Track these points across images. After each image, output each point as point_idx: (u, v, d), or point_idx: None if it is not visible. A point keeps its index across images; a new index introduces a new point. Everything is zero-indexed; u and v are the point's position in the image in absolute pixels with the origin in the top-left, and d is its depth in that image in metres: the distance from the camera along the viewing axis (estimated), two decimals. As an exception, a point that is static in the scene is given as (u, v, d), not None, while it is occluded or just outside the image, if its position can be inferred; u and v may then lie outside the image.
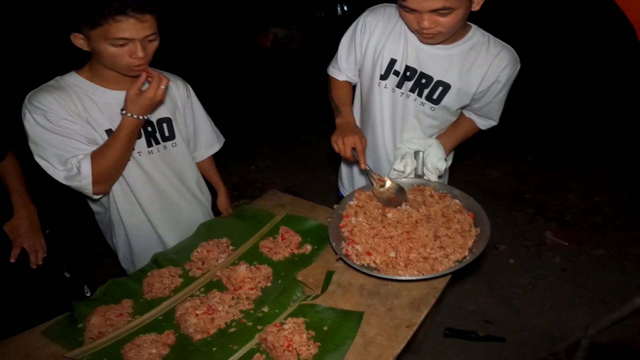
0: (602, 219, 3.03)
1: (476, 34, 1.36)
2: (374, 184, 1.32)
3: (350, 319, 1.07)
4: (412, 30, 1.30)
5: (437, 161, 1.45)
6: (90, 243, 2.83)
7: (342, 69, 1.53)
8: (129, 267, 1.55)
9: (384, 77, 1.43)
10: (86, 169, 1.20)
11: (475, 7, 1.22)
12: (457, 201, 1.34)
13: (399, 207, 1.31)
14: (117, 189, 1.37)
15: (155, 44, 1.22)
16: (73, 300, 1.21)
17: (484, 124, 1.55)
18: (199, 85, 1.65)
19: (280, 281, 1.23)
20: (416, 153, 1.47)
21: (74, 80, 1.26)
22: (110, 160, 1.23)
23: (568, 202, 3.25)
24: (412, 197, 1.36)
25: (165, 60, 1.54)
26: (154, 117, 1.37)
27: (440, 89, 1.39)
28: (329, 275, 1.23)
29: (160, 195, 1.44)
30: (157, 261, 1.33)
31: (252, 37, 6.57)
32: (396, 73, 1.41)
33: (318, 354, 1.00)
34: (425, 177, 1.46)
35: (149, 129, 1.36)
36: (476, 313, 2.34)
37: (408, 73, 1.40)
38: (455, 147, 1.60)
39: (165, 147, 1.41)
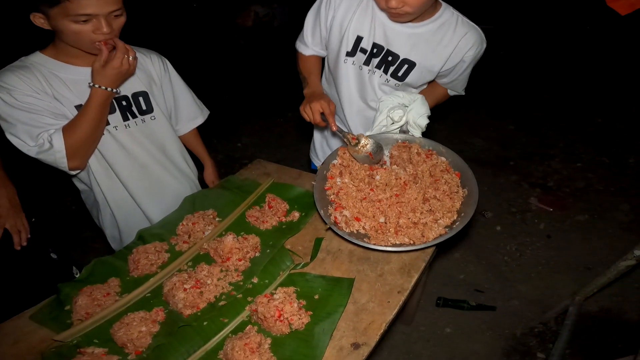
0: (584, 184, 3.08)
1: (445, 12, 1.34)
2: (348, 143, 1.29)
3: (341, 286, 1.07)
4: (380, 9, 1.29)
5: (418, 117, 1.41)
6: (76, 229, 2.77)
7: (308, 43, 1.51)
8: (118, 246, 1.53)
9: (350, 53, 1.42)
10: (58, 142, 1.17)
11: None
12: (443, 159, 1.33)
13: (386, 167, 1.30)
14: (95, 165, 1.33)
15: (122, 19, 1.17)
16: (61, 282, 1.19)
17: (450, 92, 1.58)
18: (182, 66, 1.61)
19: (268, 250, 1.22)
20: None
21: (38, 59, 1.22)
22: (83, 133, 1.20)
23: (550, 167, 3.30)
24: (397, 154, 1.35)
25: (147, 41, 1.50)
26: (128, 91, 1.32)
27: (406, 66, 1.39)
28: (318, 242, 1.23)
29: (143, 170, 1.41)
30: (142, 237, 1.30)
31: (234, 17, 6.40)
32: (363, 50, 1.40)
33: (310, 323, 1.00)
34: (409, 133, 1.45)
35: (124, 102, 1.32)
36: (466, 282, 2.38)
37: (375, 50, 1.39)
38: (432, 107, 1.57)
39: (143, 121, 1.37)
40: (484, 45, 1.38)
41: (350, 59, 1.43)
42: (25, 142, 1.17)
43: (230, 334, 1.01)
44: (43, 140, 1.16)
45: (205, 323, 1.04)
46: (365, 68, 1.43)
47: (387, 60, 1.39)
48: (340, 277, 1.10)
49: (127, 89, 1.32)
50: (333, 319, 1.00)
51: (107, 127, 1.30)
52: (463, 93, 1.56)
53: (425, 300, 2.24)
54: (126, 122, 1.33)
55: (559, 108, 4.11)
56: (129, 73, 1.24)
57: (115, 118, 1.31)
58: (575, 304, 1.84)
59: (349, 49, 1.41)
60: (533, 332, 2.08)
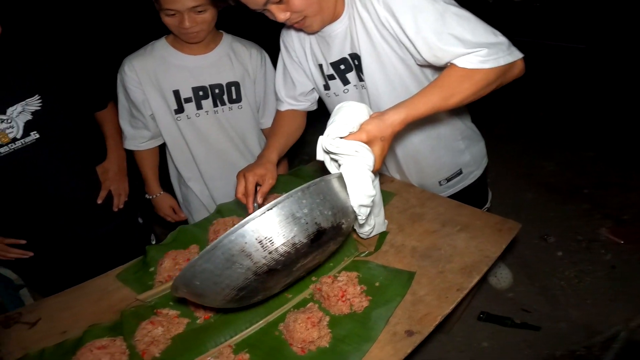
0: (662, 221, 2.87)
1: (348, 3, 1.16)
2: None
3: (402, 278, 1.11)
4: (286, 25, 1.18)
5: (356, 194, 0.91)
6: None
7: (281, 97, 1.44)
8: (189, 218, 1.69)
9: (327, 87, 1.34)
10: None
11: None
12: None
13: None
14: (173, 145, 1.52)
15: (206, 15, 1.30)
16: (143, 246, 1.33)
17: (462, 57, 0.99)
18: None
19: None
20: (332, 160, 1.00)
21: (161, 44, 1.44)
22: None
23: (629, 200, 3.08)
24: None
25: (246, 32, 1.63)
26: (223, 80, 1.47)
27: (357, 62, 1.22)
28: (383, 235, 1.27)
29: (219, 154, 1.55)
30: (221, 211, 1.41)
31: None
32: (331, 76, 1.29)
33: (369, 307, 1.05)
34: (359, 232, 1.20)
35: (217, 90, 1.47)
36: (514, 300, 2.32)
37: (342, 66, 1.26)
38: (434, 104, 1.01)
39: (230, 109, 1.51)
40: None
41: (331, 92, 1.34)
42: (124, 128, 1.43)
43: (292, 309, 1.08)
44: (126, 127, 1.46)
45: (271, 297, 1.12)
46: (352, 88, 1.30)
47: (357, 65, 1.23)
48: (401, 269, 1.14)
49: (223, 78, 1.47)
50: (390, 306, 1.04)
51: (198, 110, 1.45)
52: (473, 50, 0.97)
53: (467, 313, 2.21)
54: (215, 109, 1.48)
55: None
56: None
57: (207, 103, 1.46)
58: (628, 329, 1.74)
59: (324, 82, 1.34)
60: (574, 355, 1.99)
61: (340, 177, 0.90)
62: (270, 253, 0.77)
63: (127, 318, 1.09)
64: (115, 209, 1.49)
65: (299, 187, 0.79)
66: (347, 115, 0.95)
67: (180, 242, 1.32)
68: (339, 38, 1.21)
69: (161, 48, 1.43)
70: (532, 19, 5.91)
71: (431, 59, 1.06)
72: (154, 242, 1.69)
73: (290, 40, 1.36)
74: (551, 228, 2.81)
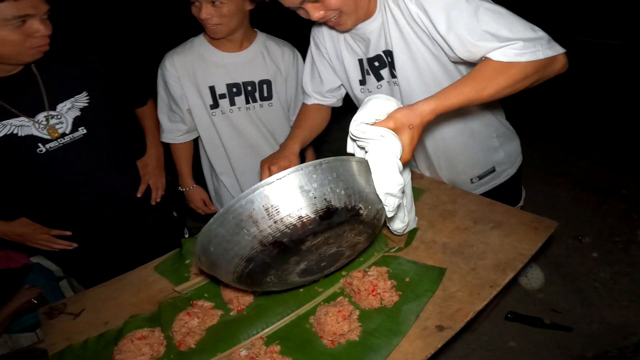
0: None
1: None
2: None
3: (432, 273, 1.11)
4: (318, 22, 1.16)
5: (382, 182, 0.88)
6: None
7: (308, 91, 1.46)
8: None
9: (362, 82, 1.34)
10: None
11: None
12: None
13: None
14: (207, 139, 1.57)
15: (224, 9, 1.33)
16: (177, 239, 1.38)
17: (497, 50, 0.96)
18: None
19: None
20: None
21: (199, 41, 1.49)
22: None
23: (671, 202, 2.96)
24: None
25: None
26: (256, 78, 1.51)
27: (390, 58, 1.22)
28: (413, 231, 1.27)
29: (252, 149, 1.59)
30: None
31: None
32: (374, 69, 1.29)
33: (399, 302, 1.05)
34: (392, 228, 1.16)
35: (249, 87, 1.51)
36: (545, 301, 2.26)
37: (377, 63, 1.26)
38: (466, 97, 0.98)
39: (261, 106, 1.55)
40: None
41: (365, 87, 1.34)
42: (162, 121, 1.48)
43: (322, 302, 1.10)
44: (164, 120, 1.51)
45: (301, 290, 1.14)
46: (385, 85, 1.30)
47: (390, 62, 1.23)
48: (432, 265, 1.14)
49: (256, 75, 1.51)
50: (421, 301, 1.04)
51: (232, 106, 1.50)
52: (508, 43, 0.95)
53: (495, 312, 2.16)
54: (247, 105, 1.52)
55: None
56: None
57: (240, 100, 1.50)
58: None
59: (361, 77, 1.34)
60: (606, 357, 1.92)
61: (362, 162, 0.88)
62: (275, 222, 0.77)
63: (165, 310, 1.13)
64: (153, 203, 1.55)
65: (311, 162, 0.80)
66: (376, 105, 0.94)
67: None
68: (374, 35, 1.21)
69: (199, 45, 1.48)
70: (565, 15, 5.73)
71: (465, 55, 1.04)
72: (186, 236, 1.74)
73: (322, 37, 1.37)
74: (586, 228, 2.72)
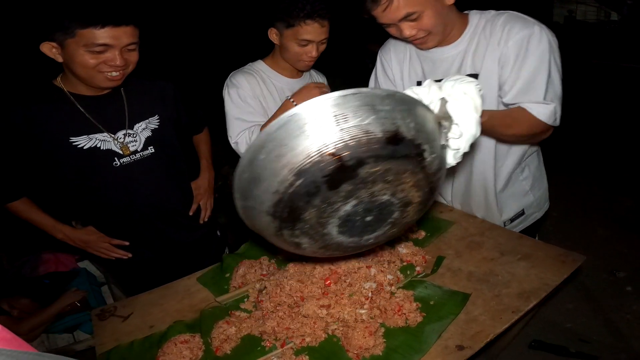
0: None
1: (472, 20, 1.25)
2: None
3: (457, 298, 1.15)
4: (403, 40, 1.26)
5: (459, 135, 0.87)
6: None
7: None
8: None
9: None
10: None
11: (449, 0, 1.18)
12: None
13: None
14: None
15: (323, 46, 1.52)
16: (219, 255, 1.50)
17: (538, 110, 1.16)
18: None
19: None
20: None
21: (260, 66, 1.66)
22: None
23: None
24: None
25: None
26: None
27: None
28: (440, 259, 1.32)
29: None
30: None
31: (366, 42, 6.98)
32: None
33: (422, 322, 1.10)
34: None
35: None
36: (572, 331, 2.20)
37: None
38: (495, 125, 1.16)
39: None
40: (536, 29, 1.14)
41: None
42: (230, 135, 1.56)
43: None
44: (242, 138, 1.53)
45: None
46: None
47: None
48: (457, 290, 1.18)
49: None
50: (444, 323, 1.08)
51: None
52: (547, 101, 1.16)
53: (518, 340, 2.07)
54: None
55: None
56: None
57: None
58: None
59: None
60: None
61: (433, 112, 0.83)
62: (341, 130, 0.71)
63: (205, 317, 1.23)
64: (201, 222, 1.69)
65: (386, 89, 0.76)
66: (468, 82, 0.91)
67: (251, 253, 1.47)
68: (447, 62, 1.30)
69: (262, 69, 1.64)
70: (608, 41, 5.61)
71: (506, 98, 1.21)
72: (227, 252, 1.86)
73: (389, 59, 1.48)
74: (622, 264, 2.65)
